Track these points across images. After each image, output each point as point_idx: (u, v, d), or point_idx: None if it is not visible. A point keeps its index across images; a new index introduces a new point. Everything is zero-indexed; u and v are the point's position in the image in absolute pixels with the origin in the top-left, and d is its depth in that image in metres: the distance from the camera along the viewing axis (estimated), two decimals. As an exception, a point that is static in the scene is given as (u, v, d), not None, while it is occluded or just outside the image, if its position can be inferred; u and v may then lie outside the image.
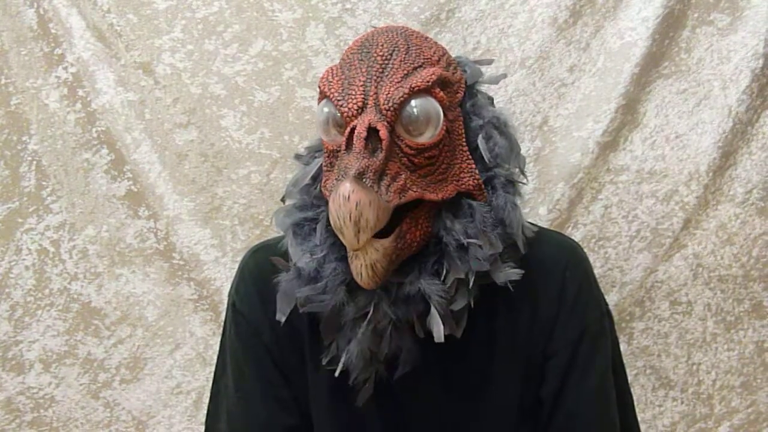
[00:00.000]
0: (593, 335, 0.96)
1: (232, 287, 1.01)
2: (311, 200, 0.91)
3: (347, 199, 0.74)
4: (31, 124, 1.46)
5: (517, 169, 0.92)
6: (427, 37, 0.89)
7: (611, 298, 1.45)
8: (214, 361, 1.06)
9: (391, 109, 0.79)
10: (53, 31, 1.44)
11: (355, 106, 0.79)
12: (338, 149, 0.81)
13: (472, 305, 0.85)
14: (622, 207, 1.45)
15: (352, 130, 0.78)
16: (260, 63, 1.45)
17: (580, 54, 1.44)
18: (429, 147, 0.82)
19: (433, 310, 0.83)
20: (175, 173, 1.46)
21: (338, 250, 0.85)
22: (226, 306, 1.04)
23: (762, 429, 1.48)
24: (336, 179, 0.77)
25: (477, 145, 0.88)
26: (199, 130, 1.46)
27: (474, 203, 0.87)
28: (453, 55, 0.92)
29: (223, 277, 1.47)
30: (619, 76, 1.42)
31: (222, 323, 1.05)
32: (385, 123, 0.79)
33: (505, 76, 1.03)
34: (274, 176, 1.46)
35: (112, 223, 1.48)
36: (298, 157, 0.98)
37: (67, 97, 1.46)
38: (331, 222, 0.76)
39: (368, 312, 0.84)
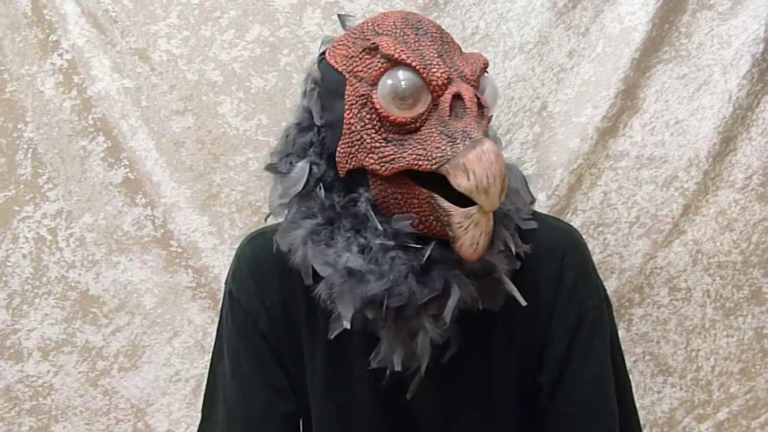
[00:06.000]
0: (591, 322, 0.95)
1: (228, 275, 1.01)
2: (321, 203, 0.87)
3: (498, 156, 0.74)
4: (27, 112, 1.45)
5: None
6: None
7: (610, 285, 1.44)
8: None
9: (477, 79, 0.83)
10: (48, 17, 1.43)
11: (445, 75, 0.80)
12: (410, 121, 0.80)
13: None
14: (622, 193, 1.44)
15: (455, 96, 0.79)
16: (257, 49, 1.44)
17: (579, 39, 1.43)
18: (490, 119, 0.87)
19: (504, 278, 0.86)
20: (172, 160, 1.46)
21: (395, 237, 0.83)
22: (223, 293, 1.03)
23: (761, 415, 1.49)
24: (455, 143, 0.76)
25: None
26: (195, 117, 1.45)
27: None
28: None
29: (221, 264, 1.46)
30: (618, 61, 1.40)
31: (220, 311, 1.05)
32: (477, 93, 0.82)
33: None
34: (271, 163, 1.45)
35: (109, 211, 1.47)
36: (271, 168, 0.93)
37: (62, 84, 1.45)
38: (472, 183, 0.74)
39: (437, 295, 0.81)
